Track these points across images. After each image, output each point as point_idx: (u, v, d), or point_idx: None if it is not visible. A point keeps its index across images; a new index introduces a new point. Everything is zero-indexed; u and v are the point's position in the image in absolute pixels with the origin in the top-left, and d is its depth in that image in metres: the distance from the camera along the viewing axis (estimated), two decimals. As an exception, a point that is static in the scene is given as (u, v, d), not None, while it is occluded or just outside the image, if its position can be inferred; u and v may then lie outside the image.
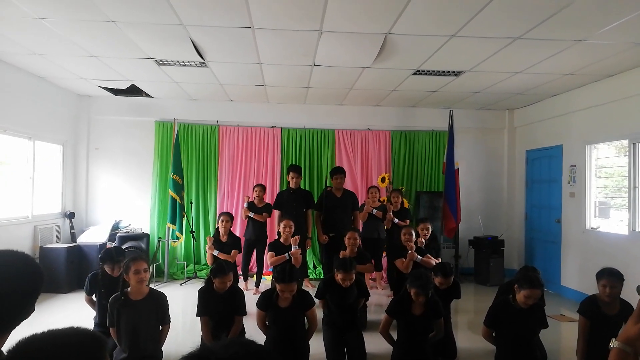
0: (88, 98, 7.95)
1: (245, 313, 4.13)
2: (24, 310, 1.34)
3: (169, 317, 3.80)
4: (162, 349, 3.84)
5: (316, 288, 4.65)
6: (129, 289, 3.63)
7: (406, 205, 6.94)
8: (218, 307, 4.02)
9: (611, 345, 1.39)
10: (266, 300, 3.84)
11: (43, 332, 0.93)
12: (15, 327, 1.33)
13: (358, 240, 5.37)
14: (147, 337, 3.61)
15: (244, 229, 7.06)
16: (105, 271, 4.21)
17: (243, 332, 4.29)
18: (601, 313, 3.50)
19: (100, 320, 4.20)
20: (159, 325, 3.73)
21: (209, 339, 3.95)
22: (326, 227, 6.51)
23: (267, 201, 7.10)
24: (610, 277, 3.49)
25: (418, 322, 3.75)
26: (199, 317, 4.06)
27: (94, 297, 4.41)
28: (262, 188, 6.96)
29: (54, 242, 7.03)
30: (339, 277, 4.22)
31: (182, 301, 6.32)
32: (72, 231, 7.46)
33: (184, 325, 5.41)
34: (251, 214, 6.73)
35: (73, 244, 7.01)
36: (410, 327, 3.77)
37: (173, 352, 4.26)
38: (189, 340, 4.75)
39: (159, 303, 3.71)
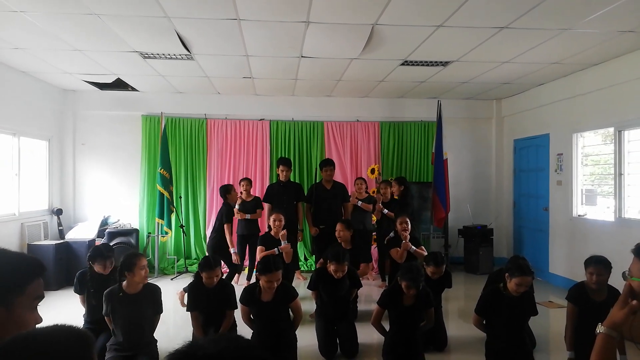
0: (73, 93, 7.84)
1: (236, 307, 4.14)
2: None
3: (162, 308, 3.87)
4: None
5: (308, 280, 4.67)
6: (125, 283, 3.63)
7: (396, 196, 6.96)
8: (207, 301, 4.03)
9: (597, 330, 1.41)
10: (248, 295, 3.84)
11: (28, 331, 0.92)
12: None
13: (347, 232, 5.31)
14: (143, 328, 3.69)
15: (235, 225, 7.03)
16: (93, 270, 4.15)
17: (235, 326, 4.30)
18: (589, 300, 3.55)
19: (90, 319, 4.17)
20: (154, 316, 3.82)
21: (200, 333, 3.97)
22: (316, 220, 6.51)
23: (254, 194, 7.08)
24: (598, 265, 3.53)
25: (409, 313, 3.78)
26: (190, 312, 4.07)
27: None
28: (249, 182, 6.94)
29: (41, 239, 6.96)
30: (331, 268, 4.23)
31: (173, 296, 6.29)
32: (60, 228, 7.39)
33: (175, 321, 5.40)
34: (248, 216, 6.67)
35: (61, 241, 6.95)
36: (401, 317, 3.80)
37: (164, 346, 4.24)
38: (180, 335, 4.74)
39: (155, 296, 3.78)
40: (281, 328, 3.84)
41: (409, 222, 5.30)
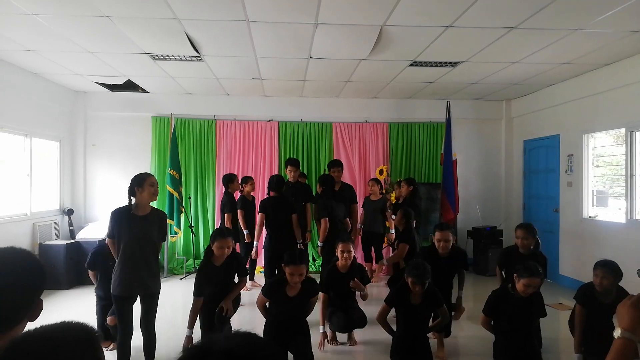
0: (84, 94, 7.92)
1: (247, 273, 4.31)
2: (25, 308, 1.33)
3: (166, 236, 3.84)
4: (163, 346, 3.86)
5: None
6: (134, 203, 3.58)
7: (404, 196, 6.94)
8: (218, 278, 3.97)
9: (615, 335, 1.37)
10: (274, 289, 3.75)
11: (36, 328, 0.93)
12: (19, 326, 1.32)
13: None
14: (148, 252, 3.58)
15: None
16: (108, 250, 4.00)
17: (238, 300, 4.33)
18: (596, 300, 3.52)
19: (103, 294, 4.28)
20: (158, 242, 3.69)
21: (193, 320, 3.86)
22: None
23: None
24: (603, 269, 3.49)
25: (416, 312, 3.77)
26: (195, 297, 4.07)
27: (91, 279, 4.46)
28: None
29: (53, 239, 7.03)
30: (338, 250, 4.37)
31: (182, 296, 6.33)
32: (71, 228, 7.46)
33: (185, 321, 5.41)
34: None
35: (72, 241, 7.01)
36: (408, 316, 3.79)
37: (174, 347, 4.28)
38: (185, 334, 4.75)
39: (161, 221, 3.70)
40: (298, 318, 3.81)
41: (403, 218, 5.27)
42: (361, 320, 4.53)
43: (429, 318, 3.87)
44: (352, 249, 4.38)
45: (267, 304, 3.85)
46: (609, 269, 3.48)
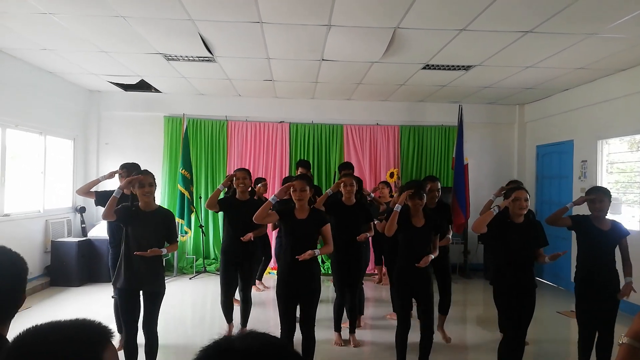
0: (98, 93, 8.00)
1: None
2: (15, 300, 1.39)
3: (175, 236, 3.75)
4: (172, 345, 3.87)
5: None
6: (140, 203, 3.58)
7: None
8: (240, 211, 4.38)
9: (620, 341, 1.39)
10: (285, 211, 3.73)
11: (47, 323, 0.93)
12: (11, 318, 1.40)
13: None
14: (148, 247, 3.52)
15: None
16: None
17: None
18: (593, 227, 3.87)
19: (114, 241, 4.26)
20: (165, 241, 3.65)
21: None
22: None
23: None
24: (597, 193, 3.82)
25: (419, 235, 3.77)
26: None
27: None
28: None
29: (65, 236, 7.11)
30: (342, 183, 4.45)
31: (191, 296, 6.36)
32: (83, 225, 7.54)
33: (193, 320, 5.45)
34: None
35: (84, 238, 7.08)
36: (411, 239, 3.79)
37: (182, 345, 4.30)
38: (198, 335, 4.78)
39: (166, 219, 3.67)
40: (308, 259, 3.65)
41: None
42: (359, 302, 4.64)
43: (429, 244, 3.85)
44: (354, 183, 4.48)
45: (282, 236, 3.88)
46: (602, 193, 3.82)
